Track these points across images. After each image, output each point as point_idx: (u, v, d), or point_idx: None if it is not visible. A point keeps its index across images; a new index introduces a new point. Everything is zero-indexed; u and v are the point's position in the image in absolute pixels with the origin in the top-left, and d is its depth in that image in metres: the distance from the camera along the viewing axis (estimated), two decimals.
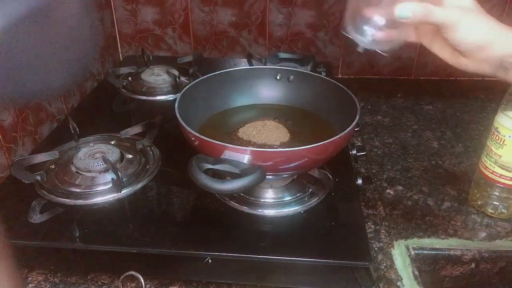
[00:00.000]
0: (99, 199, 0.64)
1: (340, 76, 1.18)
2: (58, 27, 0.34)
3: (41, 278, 0.58)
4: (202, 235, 0.60)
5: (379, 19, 0.48)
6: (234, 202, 0.64)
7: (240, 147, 0.54)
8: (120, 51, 1.20)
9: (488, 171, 0.66)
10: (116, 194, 0.64)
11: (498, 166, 0.64)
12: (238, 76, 0.77)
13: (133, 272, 0.54)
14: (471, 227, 0.67)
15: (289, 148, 0.55)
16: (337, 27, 1.10)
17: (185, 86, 0.70)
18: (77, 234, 0.59)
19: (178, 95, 0.67)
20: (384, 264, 0.60)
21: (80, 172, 0.68)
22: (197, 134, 0.57)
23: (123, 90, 0.98)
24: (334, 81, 0.73)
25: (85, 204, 0.63)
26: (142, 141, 0.74)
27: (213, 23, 1.13)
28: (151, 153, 0.74)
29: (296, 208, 0.63)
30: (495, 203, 0.68)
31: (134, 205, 0.66)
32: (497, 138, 0.63)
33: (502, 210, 0.67)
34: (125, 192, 0.65)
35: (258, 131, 0.69)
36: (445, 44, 0.49)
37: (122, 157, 0.71)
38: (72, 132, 0.74)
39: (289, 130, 0.70)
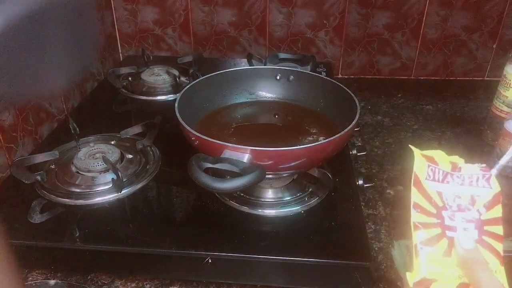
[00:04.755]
0: (99, 199, 0.64)
1: (340, 76, 1.18)
2: (58, 28, 0.34)
3: (41, 278, 0.58)
4: (202, 235, 0.60)
5: None
6: (234, 202, 0.64)
7: (240, 146, 0.54)
8: (120, 51, 1.20)
9: (497, 110, 0.84)
10: (116, 194, 0.64)
11: (505, 105, 0.83)
12: (238, 76, 0.77)
13: None
14: None
15: (289, 147, 0.55)
16: (337, 27, 1.11)
17: (185, 86, 0.70)
18: (77, 234, 0.59)
19: (178, 95, 0.67)
20: (384, 264, 0.60)
21: (80, 172, 0.68)
22: (197, 134, 0.57)
23: (123, 90, 0.98)
24: (334, 81, 0.73)
25: (85, 204, 0.63)
26: (142, 141, 0.74)
27: (213, 23, 1.13)
28: (151, 153, 0.74)
29: (296, 208, 0.63)
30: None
31: (134, 205, 0.66)
32: (505, 83, 0.82)
33: None
34: (125, 192, 0.65)
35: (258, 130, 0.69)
36: None
37: (122, 157, 0.71)
38: (72, 132, 0.74)
39: (289, 129, 0.70)
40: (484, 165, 0.41)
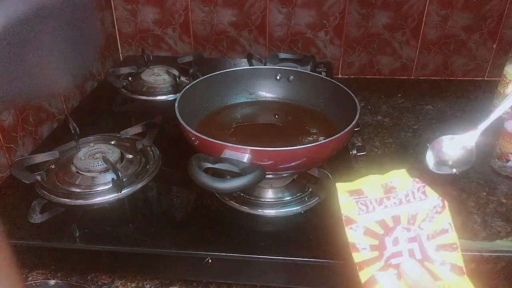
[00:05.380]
0: (99, 199, 0.64)
1: (340, 76, 1.18)
2: (58, 28, 0.34)
3: (41, 278, 0.58)
4: (202, 235, 0.60)
5: None
6: (234, 202, 0.64)
7: (240, 146, 0.54)
8: (120, 51, 1.20)
9: None
10: (116, 194, 0.64)
11: None
12: (238, 76, 0.77)
13: None
14: (471, 227, 0.67)
15: (289, 147, 0.55)
16: (337, 27, 1.11)
17: (185, 86, 0.70)
18: (77, 234, 0.59)
19: (178, 95, 0.67)
20: None
21: (80, 172, 0.68)
22: (197, 134, 0.57)
23: (123, 90, 0.98)
24: (334, 81, 0.73)
25: (85, 204, 0.64)
26: (142, 141, 0.74)
27: (213, 23, 1.13)
28: (151, 153, 0.74)
29: (296, 208, 0.63)
30: None
31: (134, 205, 0.66)
32: (505, 83, 0.85)
33: None
34: (125, 192, 0.65)
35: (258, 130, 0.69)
36: None
37: (122, 157, 0.71)
38: (72, 132, 0.74)
39: (289, 129, 0.70)
40: (417, 179, 0.40)
